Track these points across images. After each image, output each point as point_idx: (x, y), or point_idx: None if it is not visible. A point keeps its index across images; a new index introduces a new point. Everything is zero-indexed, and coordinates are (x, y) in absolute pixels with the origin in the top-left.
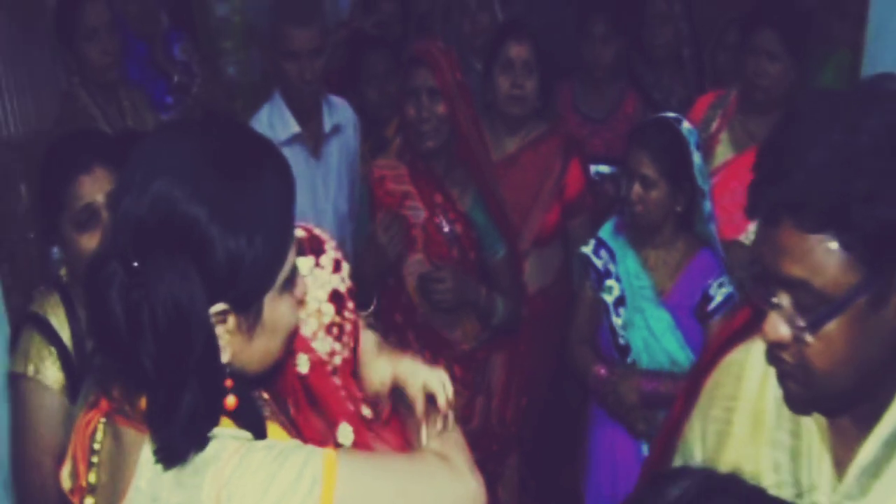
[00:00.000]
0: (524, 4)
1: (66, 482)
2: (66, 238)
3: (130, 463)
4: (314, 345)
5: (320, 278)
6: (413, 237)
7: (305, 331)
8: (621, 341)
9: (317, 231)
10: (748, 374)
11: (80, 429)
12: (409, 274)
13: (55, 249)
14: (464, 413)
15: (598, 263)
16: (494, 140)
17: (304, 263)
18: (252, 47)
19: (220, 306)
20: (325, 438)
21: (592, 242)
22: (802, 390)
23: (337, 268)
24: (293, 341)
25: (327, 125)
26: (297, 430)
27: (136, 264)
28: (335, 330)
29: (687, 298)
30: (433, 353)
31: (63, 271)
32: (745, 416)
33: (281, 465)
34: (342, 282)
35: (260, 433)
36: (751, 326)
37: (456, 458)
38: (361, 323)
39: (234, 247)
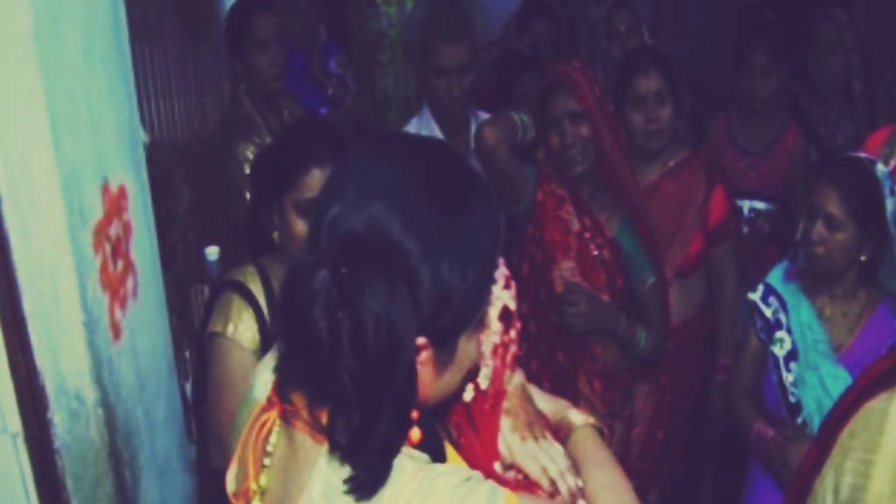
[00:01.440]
0: (673, 30)
1: (230, 484)
2: (283, 215)
3: (304, 469)
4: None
5: (492, 293)
6: (569, 243)
7: None
8: (791, 399)
9: None
10: (891, 425)
11: (254, 429)
12: (559, 276)
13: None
14: None
15: (767, 312)
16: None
17: None
18: (407, 61)
19: (420, 340)
20: (487, 466)
21: (761, 288)
22: None
23: (507, 284)
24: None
25: (474, 141)
26: (461, 455)
27: (344, 270)
28: (500, 351)
29: (869, 356)
30: (573, 362)
31: (276, 234)
32: (888, 470)
33: (465, 497)
34: (511, 299)
35: (439, 457)
36: None
37: None
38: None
39: (446, 281)
